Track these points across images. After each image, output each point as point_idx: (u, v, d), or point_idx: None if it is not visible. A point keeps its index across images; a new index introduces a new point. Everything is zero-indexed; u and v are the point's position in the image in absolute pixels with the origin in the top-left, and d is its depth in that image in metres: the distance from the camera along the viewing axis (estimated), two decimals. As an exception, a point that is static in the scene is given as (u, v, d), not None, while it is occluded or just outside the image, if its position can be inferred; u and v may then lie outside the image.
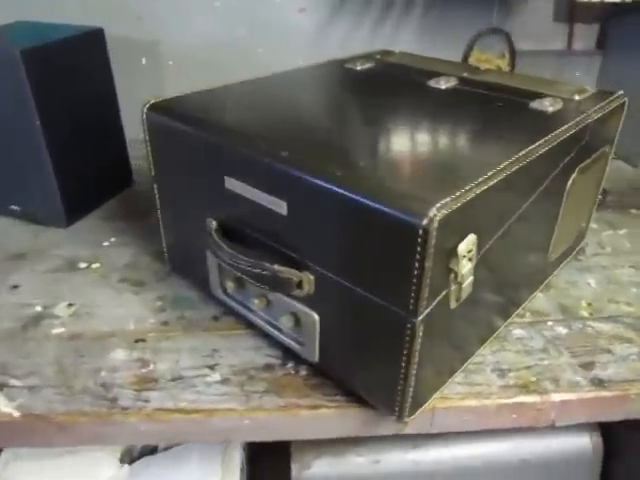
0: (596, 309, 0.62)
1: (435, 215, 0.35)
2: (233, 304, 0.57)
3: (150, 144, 0.57)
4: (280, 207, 0.45)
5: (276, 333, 0.54)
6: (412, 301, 0.39)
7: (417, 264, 0.37)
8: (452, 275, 0.40)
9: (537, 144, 0.46)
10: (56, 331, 0.58)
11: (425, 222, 0.35)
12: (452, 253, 0.39)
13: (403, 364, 0.42)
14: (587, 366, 0.54)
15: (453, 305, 0.43)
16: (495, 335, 0.57)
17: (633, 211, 0.83)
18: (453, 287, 0.41)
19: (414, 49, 0.91)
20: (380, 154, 0.45)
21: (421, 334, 0.40)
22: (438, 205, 0.36)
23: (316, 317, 0.48)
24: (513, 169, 0.42)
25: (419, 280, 0.37)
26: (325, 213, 0.42)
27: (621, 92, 0.61)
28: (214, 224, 0.53)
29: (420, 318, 0.39)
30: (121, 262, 0.70)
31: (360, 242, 0.40)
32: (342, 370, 0.49)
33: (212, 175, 0.51)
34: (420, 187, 0.39)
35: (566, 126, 0.51)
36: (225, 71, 0.96)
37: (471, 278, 0.42)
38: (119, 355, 0.55)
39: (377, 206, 0.38)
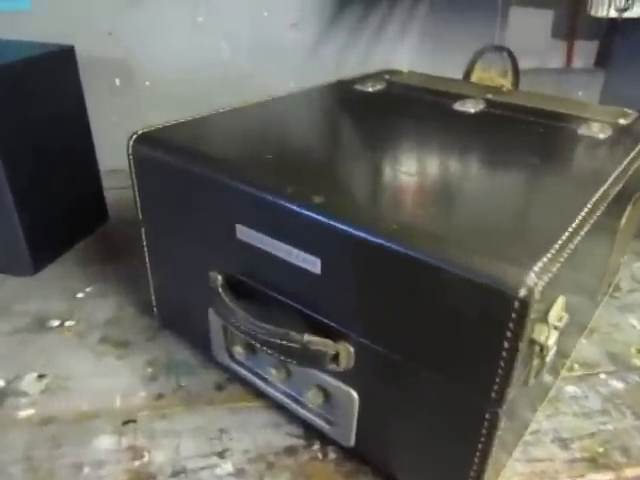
0: (648, 356, 0.55)
1: (535, 283, 0.27)
2: (242, 371, 0.48)
3: (137, 182, 0.48)
4: (312, 265, 0.36)
5: (298, 409, 0.44)
6: (496, 388, 0.31)
7: (507, 344, 0.29)
8: (537, 348, 0.32)
9: (612, 179, 0.39)
10: (24, 413, 0.47)
11: (523, 293, 0.27)
12: (539, 322, 0.31)
13: (477, 459, 0.34)
14: (657, 430, 0.47)
15: (532, 382, 0.35)
16: (548, 396, 0.49)
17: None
18: (535, 362, 0.33)
19: (413, 67, 0.84)
20: (436, 198, 0.36)
21: (502, 425, 0.32)
22: (536, 269, 0.28)
23: (355, 395, 0.39)
24: (597, 214, 0.35)
25: (508, 364, 0.29)
26: (375, 274, 0.33)
27: (667, 114, 0.55)
28: (219, 279, 0.44)
29: (504, 408, 0.31)
30: (100, 317, 0.59)
31: (425, 312, 0.32)
32: (387, 458, 0.40)
33: (219, 222, 0.42)
34: (504, 245, 0.30)
35: (632, 155, 0.44)
36: (209, 93, 0.88)
37: (555, 349, 0.34)
38: (105, 443, 0.45)
39: (453, 270, 0.29)
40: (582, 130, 0.49)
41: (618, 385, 0.52)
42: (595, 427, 0.47)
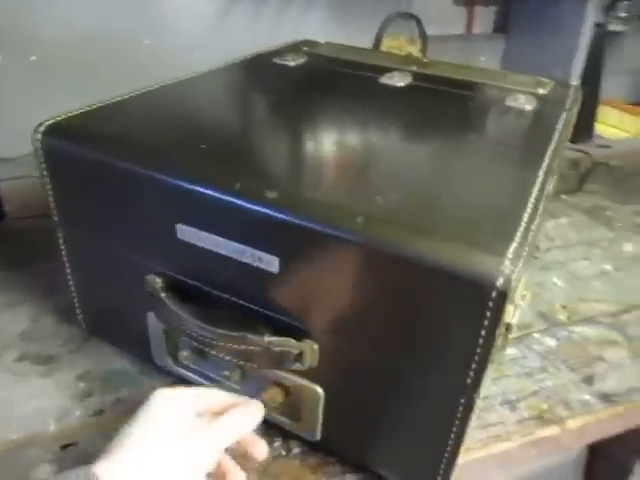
0: (572, 311, 0.59)
1: (511, 271, 0.27)
2: (190, 375, 0.45)
3: (50, 179, 0.42)
4: (269, 264, 0.34)
5: (256, 407, 0.43)
6: (472, 374, 0.31)
7: (484, 332, 0.29)
8: (504, 328, 0.33)
9: (550, 153, 0.40)
10: (-59, 455, 0.41)
11: (501, 283, 0.27)
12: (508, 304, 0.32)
13: (451, 441, 0.34)
14: (589, 380, 0.51)
15: (495, 359, 0.36)
16: (492, 361, 0.51)
17: (563, 197, 0.83)
18: (500, 340, 0.34)
19: (322, 35, 0.82)
20: (391, 184, 0.35)
21: (475, 405, 0.33)
22: (510, 257, 0.28)
23: (320, 391, 0.38)
24: (544, 189, 0.36)
25: (484, 350, 0.30)
26: (341, 268, 0.32)
27: (577, 83, 0.58)
28: (159, 282, 0.40)
29: (478, 391, 0.31)
30: (13, 332, 0.53)
31: (394, 304, 0.31)
32: (356, 448, 0.40)
33: (154, 221, 0.38)
34: (473, 233, 0.30)
35: (560, 127, 0.45)
36: (105, 68, 0.80)
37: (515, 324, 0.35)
38: (44, 473, 0.40)
39: (426, 262, 0.29)
40: (509, 102, 0.50)
41: (551, 342, 0.55)
42: (537, 385, 0.50)
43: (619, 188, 0.86)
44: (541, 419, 0.47)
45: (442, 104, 0.51)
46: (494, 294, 0.27)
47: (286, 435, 0.43)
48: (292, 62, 0.60)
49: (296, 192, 0.33)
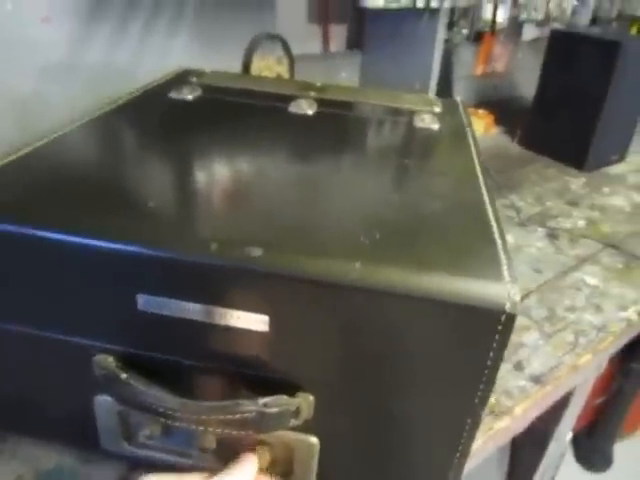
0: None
1: (515, 294, 0.29)
2: (151, 454, 0.40)
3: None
4: (258, 324, 0.32)
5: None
6: (480, 394, 0.32)
7: (492, 354, 0.30)
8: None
9: (479, 168, 0.44)
10: None
11: (509, 306, 0.29)
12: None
13: (456, 460, 0.35)
14: (519, 367, 0.56)
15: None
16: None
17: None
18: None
19: (189, 59, 0.79)
20: (365, 221, 0.35)
21: (481, 421, 0.34)
22: (508, 280, 0.30)
23: (315, 442, 0.37)
24: (495, 202, 0.38)
25: (492, 371, 0.31)
26: (339, 317, 0.31)
27: (459, 98, 0.64)
28: (112, 362, 0.36)
29: (485, 408, 0.33)
30: None
31: (397, 343, 0.31)
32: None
33: (106, 295, 0.33)
34: (464, 261, 0.31)
35: (472, 142, 0.49)
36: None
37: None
38: None
39: (428, 296, 0.29)
40: (417, 123, 0.53)
41: (476, 338, 0.60)
42: (478, 382, 0.54)
43: (483, 184, 0.95)
44: (493, 413, 0.50)
45: (358, 130, 0.52)
46: (503, 318, 0.29)
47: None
48: (189, 96, 0.56)
49: (277, 243, 0.32)
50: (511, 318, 0.29)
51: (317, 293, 0.30)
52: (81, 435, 0.40)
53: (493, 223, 0.35)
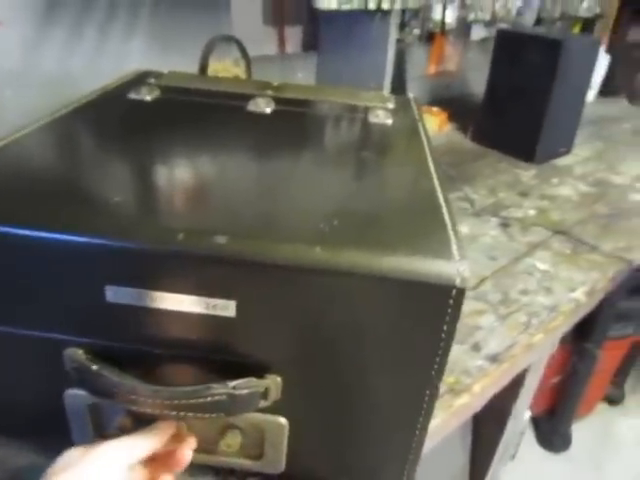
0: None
1: (464, 270, 0.31)
2: (124, 447, 0.41)
3: None
4: (225, 309, 0.33)
5: (210, 458, 0.41)
6: (436, 367, 0.34)
7: (446, 327, 0.33)
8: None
9: (430, 158, 0.46)
10: None
11: (458, 281, 0.31)
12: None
13: (417, 432, 0.37)
14: (476, 348, 0.59)
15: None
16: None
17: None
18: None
19: (147, 62, 0.80)
20: (326, 210, 0.37)
21: (439, 392, 0.36)
22: (457, 256, 0.32)
23: (284, 422, 0.38)
24: (445, 188, 0.41)
25: (446, 343, 0.33)
26: (302, 300, 0.33)
27: (411, 95, 0.66)
28: (81, 355, 0.36)
29: (441, 378, 0.35)
30: None
31: (357, 322, 0.33)
32: (323, 468, 0.41)
33: (74, 288, 0.34)
34: (416, 242, 0.33)
35: (423, 134, 0.52)
36: None
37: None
38: None
39: (386, 275, 0.31)
40: (372, 118, 0.56)
41: (435, 323, 0.62)
42: (439, 363, 0.56)
43: (439, 179, 0.99)
44: (453, 391, 0.53)
45: (315, 126, 0.54)
46: (454, 292, 0.31)
47: (240, 475, 0.42)
48: (148, 96, 0.57)
49: (241, 232, 0.33)
50: (461, 292, 0.31)
51: (280, 277, 0.32)
52: (52, 430, 0.41)
53: (443, 207, 0.38)
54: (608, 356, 1.29)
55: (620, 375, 1.55)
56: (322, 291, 0.32)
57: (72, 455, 0.33)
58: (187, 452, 0.37)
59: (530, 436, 1.48)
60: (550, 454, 1.44)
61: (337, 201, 0.39)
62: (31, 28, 0.76)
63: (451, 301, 0.31)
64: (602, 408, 1.60)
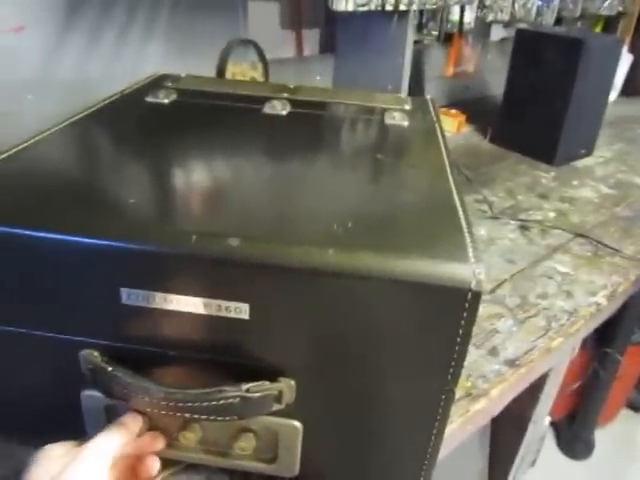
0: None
1: (479, 273, 0.31)
2: (139, 448, 0.41)
3: None
4: (238, 312, 0.33)
5: (224, 461, 0.41)
6: (452, 370, 0.34)
7: (462, 331, 0.32)
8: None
9: (447, 160, 0.46)
10: None
11: (474, 284, 0.31)
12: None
13: (434, 437, 0.37)
14: (494, 352, 0.58)
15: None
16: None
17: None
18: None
19: (165, 66, 0.80)
20: (339, 211, 0.37)
21: (454, 397, 0.36)
22: (473, 260, 0.32)
23: (298, 426, 0.38)
24: (461, 191, 0.41)
25: (462, 347, 0.33)
26: (316, 302, 0.33)
27: (429, 96, 0.66)
28: (97, 357, 0.37)
29: (457, 383, 0.35)
30: None
31: (372, 325, 0.33)
32: (338, 472, 0.40)
33: (90, 290, 0.34)
34: (433, 245, 0.33)
35: (440, 136, 0.51)
36: None
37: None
38: None
39: (402, 279, 0.31)
40: (388, 120, 0.55)
41: (452, 326, 0.62)
42: (455, 367, 0.56)
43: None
44: (470, 396, 0.52)
45: (331, 128, 0.54)
46: (470, 296, 0.31)
47: (253, 476, 0.42)
48: (165, 100, 0.58)
49: (254, 234, 0.33)
50: (477, 295, 0.31)
51: (293, 280, 0.32)
52: (68, 432, 0.41)
53: (460, 210, 0.37)
54: (631, 362, 1.26)
55: (644, 381, 1.52)
56: (335, 294, 0.32)
57: (52, 463, 0.33)
58: (154, 464, 0.37)
59: (551, 442, 1.45)
60: (571, 461, 1.42)
61: (352, 203, 0.38)
62: (51, 33, 0.77)
63: (467, 304, 0.31)
64: (625, 415, 1.56)
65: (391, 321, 0.33)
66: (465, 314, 0.31)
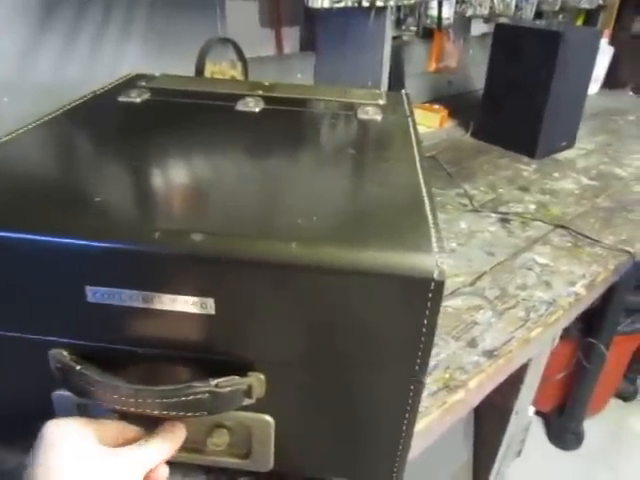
0: (439, 288, 0.67)
1: (442, 263, 0.31)
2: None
3: None
4: (204, 307, 0.33)
5: (198, 457, 0.41)
6: (419, 361, 0.34)
7: (426, 321, 0.32)
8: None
9: (417, 153, 0.46)
10: None
11: (437, 274, 0.31)
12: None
13: (405, 427, 0.37)
14: (473, 343, 0.58)
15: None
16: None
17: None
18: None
19: (143, 65, 0.80)
20: (305, 206, 0.37)
21: (423, 387, 0.36)
22: (436, 250, 0.32)
23: (270, 420, 0.38)
24: (429, 182, 0.41)
25: (428, 337, 0.33)
26: (275, 296, 0.33)
27: (404, 90, 0.66)
28: (66, 355, 0.36)
29: (425, 374, 0.35)
30: None
31: (338, 317, 0.33)
32: (312, 464, 0.40)
33: (55, 289, 0.34)
34: (396, 236, 0.33)
35: (412, 130, 0.52)
36: None
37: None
38: None
39: (365, 270, 0.31)
40: (361, 115, 0.55)
41: (431, 319, 0.62)
42: (434, 359, 0.56)
43: (438, 175, 0.98)
44: (448, 387, 0.52)
45: (304, 124, 0.54)
46: (433, 285, 0.31)
47: (231, 473, 0.42)
48: (137, 99, 0.57)
49: (217, 229, 0.33)
50: (440, 285, 0.31)
51: (257, 274, 0.32)
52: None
53: (426, 202, 0.37)
54: (619, 351, 1.27)
55: (632, 371, 1.53)
56: (300, 287, 0.32)
57: (74, 455, 0.31)
58: (164, 471, 0.36)
59: (540, 433, 1.46)
60: (561, 452, 1.43)
61: (318, 197, 0.38)
62: (27, 34, 0.77)
63: (430, 294, 0.31)
64: (615, 404, 1.58)
65: (356, 312, 0.33)
66: (429, 304, 0.31)
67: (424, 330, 0.32)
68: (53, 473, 0.30)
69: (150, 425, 0.37)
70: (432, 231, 0.34)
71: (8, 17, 0.74)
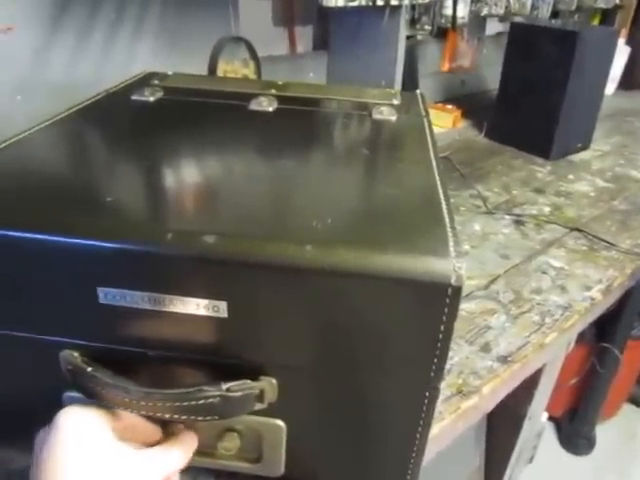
0: (452, 291, 0.66)
1: (460, 268, 0.30)
2: (123, 450, 0.41)
3: None
4: (216, 310, 0.33)
5: (206, 461, 0.40)
6: (435, 367, 0.33)
7: (443, 327, 0.31)
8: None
9: (433, 154, 0.45)
10: None
11: (454, 279, 0.30)
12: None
13: (419, 435, 0.36)
14: (486, 348, 0.57)
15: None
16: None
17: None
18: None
19: (156, 64, 0.80)
20: (318, 208, 0.36)
21: (439, 394, 0.35)
22: (454, 255, 0.31)
23: (282, 425, 0.37)
24: (446, 185, 0.40)
25: (444, 343, 0.32)
26: (294, 299, 0.32)
27: (419, 90, 0.65)
28: (77, 357, 0.36)
29: (441, 380, 0.34)
30: None
31: (353, 322, 0.32)
32: (324, 470, 0.40)
33: (67, 290, 0.34)
34: (413, 240, 0.32)
35: (428, 130, 0.51)
36: None
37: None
38: None
39: (382, 274, 0.30)
40: (376, 115, 0.54)
41: (444, 323, 0.61)
42: (447, 364, 0.54)
43: (451, 176, 0.97)
44: (461, 393, 0.51)
45: (319, 124, 0.54)
46: (450, 291, 0.30)
47: (239, 476, 0.42)
48: (151, 97, 0.57)
49: (231, 231, 0.33)
50: (457, 290, 0.30)
51: (271, 277, 0.31)
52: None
53: (443, 205, 0.37)
54: (632, 356, 1.25)
55: (645, 376, 1.51)
56: (314, 290, 0.31)
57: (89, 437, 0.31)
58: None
59: (552, 438, 1.44)
60: (572, 457, 1.41)
61: (333, 199, 0.38)
62: (41, 33, 0.77)
63: (447, 300, 0.30)
64: (627, 409, 1.56)
65: (371, 317, 0.32)
66: (446, 309, 0.31)
67: (440, 336, 0.32)
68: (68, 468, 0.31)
69: (159, 425, 0.37)
70: (449, 235, 0.33)
71: (21, 16, 0.74)
